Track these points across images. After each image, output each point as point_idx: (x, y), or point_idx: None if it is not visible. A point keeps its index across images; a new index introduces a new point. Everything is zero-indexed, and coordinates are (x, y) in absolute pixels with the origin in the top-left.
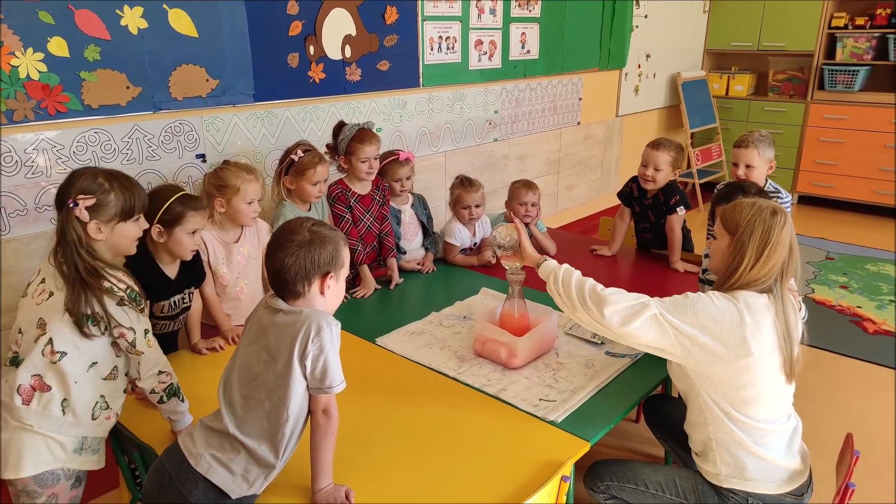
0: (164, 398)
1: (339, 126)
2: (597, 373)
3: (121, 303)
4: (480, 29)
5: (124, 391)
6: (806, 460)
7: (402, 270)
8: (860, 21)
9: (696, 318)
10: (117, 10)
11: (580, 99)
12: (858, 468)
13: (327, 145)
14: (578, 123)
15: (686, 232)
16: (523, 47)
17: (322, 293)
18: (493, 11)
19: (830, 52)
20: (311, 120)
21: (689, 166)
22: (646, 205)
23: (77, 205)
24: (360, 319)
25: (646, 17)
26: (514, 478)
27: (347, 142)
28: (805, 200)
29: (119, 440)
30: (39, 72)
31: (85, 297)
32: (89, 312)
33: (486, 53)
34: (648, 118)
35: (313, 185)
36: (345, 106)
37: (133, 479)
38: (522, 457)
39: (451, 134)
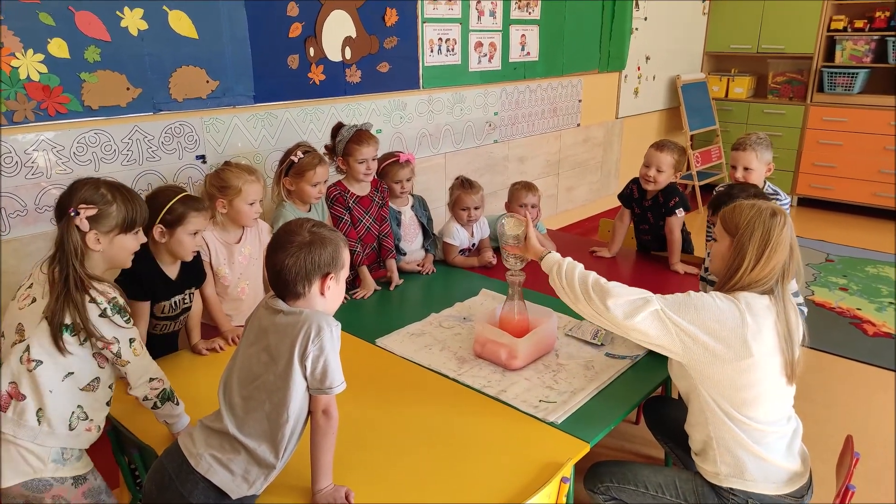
0: (158, 404)
1: (337, 127)
2: (597, 374)
3: (103, 314)
4: (480, 31)
5: (107, 403)
6: (806, 462)
7: (401, 272)
8: (859, 24)
9: (698, 316)
10: (118, 12)
11: (580, 101)
12: (858, 470)
13: (326, 146)
14: (578, 125)
15: (685, 234)
16: (523, 49)
17: (322, 294)
18: (492, 13)
19: (830, 54)
20: (311, 121)
21: (688, 168)
22: (645, 206)
23: (78, 214)
24: (360, 320)
25: (645, 19)
26: (514, 479)
27: (345, 143)
28: (805, 202)
29: (119, 440)
30: (40, 73)
31: (66, 307)
32: (68, 322)
33: (485, 55)
34: (648, 120)
35: (313, 186)
36: (345, 107)
37: (133, 479)
38: (522, 458)
39: (451, 136)
